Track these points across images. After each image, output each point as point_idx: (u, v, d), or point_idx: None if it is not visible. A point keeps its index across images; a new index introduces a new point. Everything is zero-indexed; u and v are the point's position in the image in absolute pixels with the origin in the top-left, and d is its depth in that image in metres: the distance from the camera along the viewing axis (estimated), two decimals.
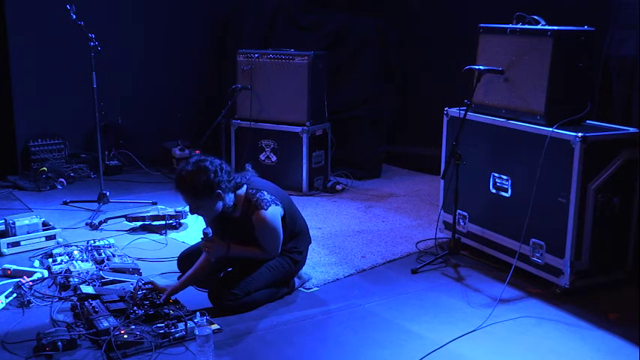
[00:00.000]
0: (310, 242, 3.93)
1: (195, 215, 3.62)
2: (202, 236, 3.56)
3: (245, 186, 3.64)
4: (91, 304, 3.40)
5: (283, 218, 3.64)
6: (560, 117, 3.83)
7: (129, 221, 4.90)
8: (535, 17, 4.07)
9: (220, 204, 3.51)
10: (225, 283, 3.54)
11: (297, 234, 3.76)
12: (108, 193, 5.27)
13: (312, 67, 5.71)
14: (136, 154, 6.62)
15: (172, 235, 4.77)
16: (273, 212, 3.56)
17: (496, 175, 4.18)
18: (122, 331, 3.13)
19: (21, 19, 6.01)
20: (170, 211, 4.90)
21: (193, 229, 4.82)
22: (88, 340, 3.16)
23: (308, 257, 3.93)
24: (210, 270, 3.66)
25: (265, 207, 3.53)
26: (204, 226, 3.69)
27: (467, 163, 4.22)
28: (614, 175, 3.73)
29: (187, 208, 3.61)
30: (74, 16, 4.90)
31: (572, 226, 3.68)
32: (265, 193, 3.60)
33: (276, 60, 5.80)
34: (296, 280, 3.84)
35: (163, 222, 4.80)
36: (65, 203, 5.43)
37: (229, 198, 3.55)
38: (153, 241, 4.65)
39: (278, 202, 3.61)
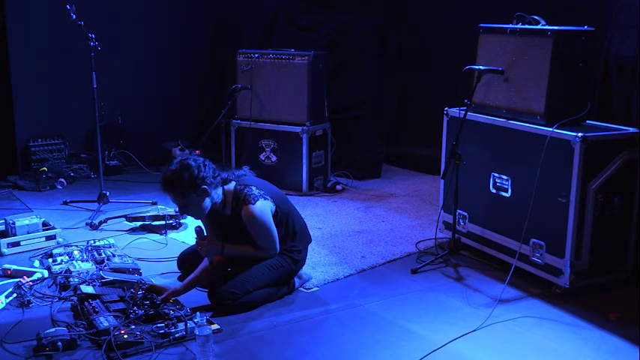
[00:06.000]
0: (310, 241, 3.93)
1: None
2: (195, 235, 3.57)
3: (233, 182, 3.64)
4: (91, 304, 3.40)
5: (275, 214, 3.63)
6: (560, 117, 3.83)
7: (129, 221, 4.90)
8: (535, 17, 4.07)
9: (208, 201, 3.51)
10: (225, 282, 3.53)
11: (295, 233, 3.75)
12: (108, 193, 5.27)
13: (312, 67, 5.71)
14: (136, 154, 6.62)
15: (172, 235, 4.77)
16: (262, 206, 3.55)
17: (496, 175, 4.18)
18: (122, 331, 3.13)
19: (21, 19, 6.02)
20: (170, 211, 4.90)
21: (193, 229, 4.81)
22: (88, 340, 3.16)
23: (308, 257, 3.92)
24: (213, 274, 3.65)
25: (253, 201, 3.53)
26: (200, 225, 3.69)
27: (467, 163, 4.22)
28: (614, 175, 3.73)
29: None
30: (74, 16, 4.90)
31: (572, 226, 3.68)
32: (253, 188, 3.60)
33: (276, 60, 5.80)
34: (296, 279, 3.83)
35: (163, 222, 4.81)
36: (65, 203, 5.44)
37: (216, 194, 3.56)
38: (153, 241, 4.65)
39: (267, 197, 3.60)
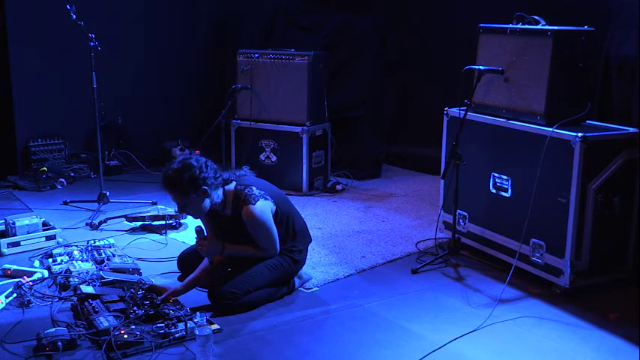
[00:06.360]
0: (310, 241, 3.93)
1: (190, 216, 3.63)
2: (195, 235, 3.57)
3: (234, 182, 3.64)
4: (91, 304, 3.40)
5: (275, 214, 3.63)
6: (560, 117, 3.83)
7: (129, 221, 4.90)
8: (535, 17, 4.07)
9: (207, 201, 3.52)
10: (225, 282, 3.53)
11: (295, 233, 3.75)
12: (108, 193, 5.27)
13: (312, 67, 5.71)
14: (136, 154, 6.62)
15: (172, 235, 4.77)
16: (262, 207, 3.55)
17: (496, 175, 4.18)
18: (122, 331, 3.13)
19: (21, 19, 6.02)
20: (170, 211, 4.90)
21: (193, 229, 4.81)
22: (88, 340, 3.16)
23: (308, 257, 3.92)
24: (213, 274, 3.65)
25: (253, 202, 3.53)
26: (200, 225, 3.69)
27: (467, 163, 4.22)
28: (614, 175, 3.73)
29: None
30: (74, 16, 4.90)
31: (572, 226, 3.68)
32: (254, 188, 3.60)
33: (276, 60, 5.80)
34: (296, 279, 3.83)
35: (163, 222, 4.81)
36: (65, 203, 5.44)
37: (217, 195, 3.56)
38: (153, 241, 4.65)
39: (268, 197, 3.60)
